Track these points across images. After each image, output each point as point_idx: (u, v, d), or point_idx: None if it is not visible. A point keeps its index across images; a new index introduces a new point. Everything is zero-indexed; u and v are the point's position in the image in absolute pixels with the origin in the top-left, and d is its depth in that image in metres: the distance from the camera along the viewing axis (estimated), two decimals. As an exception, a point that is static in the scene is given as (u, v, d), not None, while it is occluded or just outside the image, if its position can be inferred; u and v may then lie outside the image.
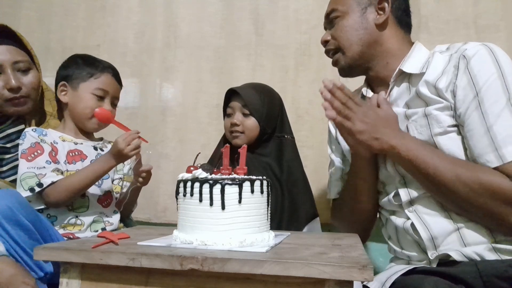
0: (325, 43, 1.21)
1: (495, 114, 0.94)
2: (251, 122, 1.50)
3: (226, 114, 1.56)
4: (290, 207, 1.45)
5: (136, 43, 2.11)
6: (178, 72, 2.07)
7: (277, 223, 1.40)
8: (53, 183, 1.21)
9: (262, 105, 1.52)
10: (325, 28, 1.24)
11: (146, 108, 2.08)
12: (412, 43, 1.17)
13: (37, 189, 1.20)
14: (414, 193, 1.07)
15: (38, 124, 1.44)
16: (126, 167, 1.51)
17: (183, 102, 2.06)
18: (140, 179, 1.38)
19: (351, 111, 1.02)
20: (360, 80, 1.28)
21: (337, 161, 1.34)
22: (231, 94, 1.53)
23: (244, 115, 1.50)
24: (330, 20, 1.19)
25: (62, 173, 1.27)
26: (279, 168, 1.51)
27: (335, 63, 1.21)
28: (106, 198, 1.37)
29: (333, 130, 1.34)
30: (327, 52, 1.22)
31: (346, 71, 1.20)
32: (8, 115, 1.38)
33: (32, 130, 1.30)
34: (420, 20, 1.82)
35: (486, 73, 0.96)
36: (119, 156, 1.24)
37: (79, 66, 1.38)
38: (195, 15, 2.08)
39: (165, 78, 2.09)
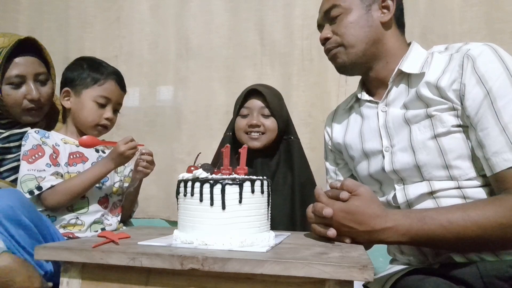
0: (325, 40, 1.12)
1: (509, 112, 0.88)
2: (272, 123, 1.41)
3: (239, 115, 1.45)
4: (302, 210, 1.39)
5: (151, 54, 2.12)
6: (191, 82, 2.09)
7: (289, 226, 1.35)
8: (52, 186, 1.17)
9: (281, 106, 1.45)
10: (320, 25, 1.15)
11: (163, 116, 2.11)
12: (407, 43, 1.12)
13: (36, 192, 1.16)
14: (412, 195, 1.00)
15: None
16: (127, 169, 1.46)
17: (196, 110, 2.07)
18: (143, 164, 1.32)
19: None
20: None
21: (331, 169, 1.29)
22: (247, 94, 1.44)
23: (263, 116, 1.42)
24: (331, 17, 1.10)
25: (62, 176, 1.24)
26: (290, 171, 1.44)
27: (333, 58, 1.12)
28: (106, 200, 1.33)
29: (327, 138, 1.29)
30: (327, 51, 1.12)
31: (347, 68, 1.12)
32: (19, 122, 1.35)
33: (35, 132, 1.26)
34: (421, 31, 1.84)
35: (495, 72, 0.91)
36: (120, 158, 1.21)
37: (84, 71, 1.32)
38: (204, 27, 2.08)
39: (179, 88, 2.11)
